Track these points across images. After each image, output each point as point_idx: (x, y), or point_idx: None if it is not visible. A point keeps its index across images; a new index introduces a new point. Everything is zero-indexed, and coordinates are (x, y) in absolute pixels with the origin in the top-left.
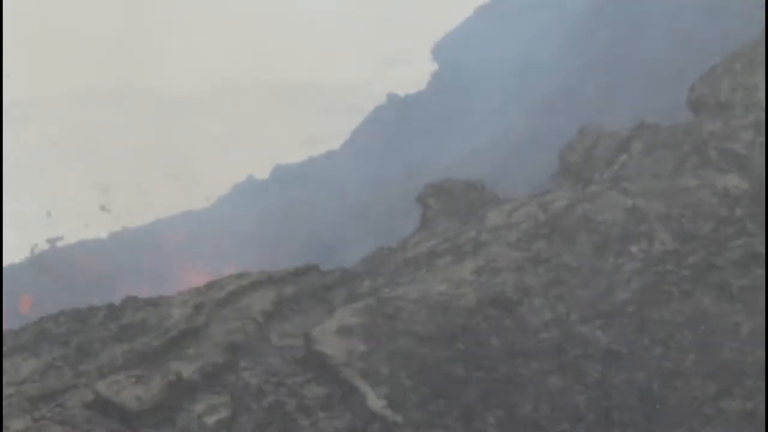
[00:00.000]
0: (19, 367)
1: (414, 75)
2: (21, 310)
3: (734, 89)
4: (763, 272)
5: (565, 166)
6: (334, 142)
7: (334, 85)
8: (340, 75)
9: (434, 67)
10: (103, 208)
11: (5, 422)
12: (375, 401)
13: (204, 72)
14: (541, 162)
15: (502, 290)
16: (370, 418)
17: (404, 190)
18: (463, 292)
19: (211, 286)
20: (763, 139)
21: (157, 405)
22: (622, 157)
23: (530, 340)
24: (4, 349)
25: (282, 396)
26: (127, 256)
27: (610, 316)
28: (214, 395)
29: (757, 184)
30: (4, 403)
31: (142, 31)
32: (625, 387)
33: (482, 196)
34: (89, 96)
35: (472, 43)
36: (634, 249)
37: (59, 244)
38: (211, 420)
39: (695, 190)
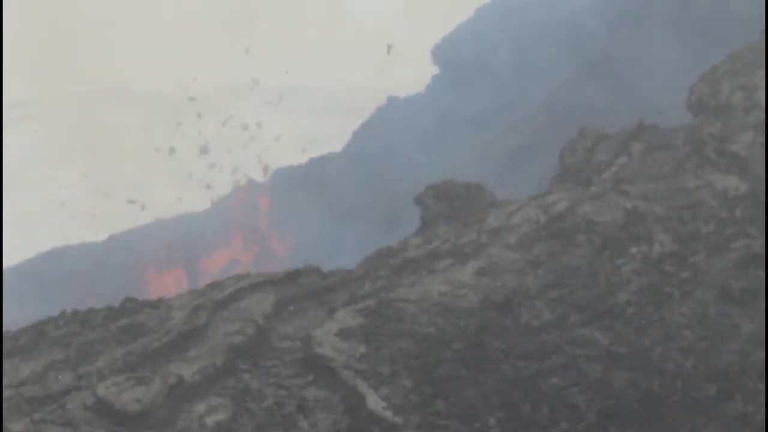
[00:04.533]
0: (18, 369)
1: (414, 75)
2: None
3: (734, 90)
4: (763, 274)
5: (565, 168)
6: (335, 144)
7: (334, 86)
8: (340, 76)
9: (434, 67)
10: (103, 209)
11: (5, 424)
12: (375, 403)
13: (204, 73)
14: (540, 163)
15: (503, 292)
16: (371, 420)
17: (404, 192)
18: (463, 294)
19: (211, 287)
20: (763, 140)
21: (157, 407)
22: (621, 159)
23: (531, 342)
24: (3, 350)
25: (282, 398)
26: (127, 257)
27: (610, 317)
28: (214, 397)
29: (757, 186)
30: (4, 405)
31: (143, 32)
32: (625, 388)
33: (482, 198)
34: (89, 96)
35: (472, 44)
36: (633, 250)
37: (59, 245)
38: (211, 421)
39: (695, 191)
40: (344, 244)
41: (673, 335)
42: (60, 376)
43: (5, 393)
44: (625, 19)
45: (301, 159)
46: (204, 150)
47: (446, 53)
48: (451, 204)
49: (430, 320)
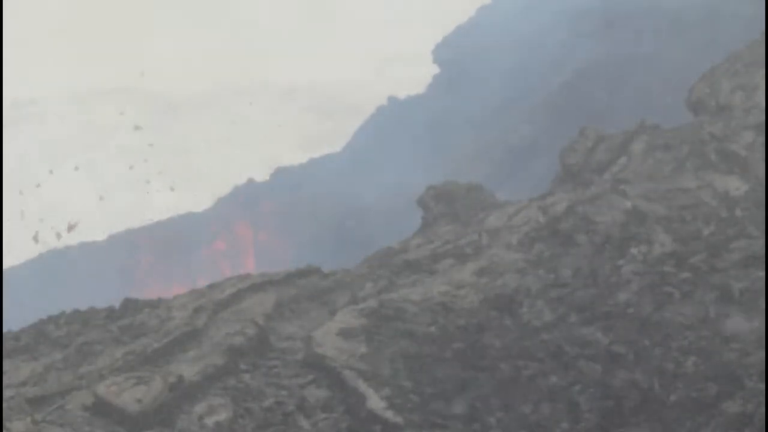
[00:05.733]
0: (19, 369)
1: (414, 75)
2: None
3: (734, 90)
4: (763, 274)
5: (566, 168)
6: (335, 144)
7: (334, 86)
8: (340, 75)
9: (434, 67)
10: (102, 209)
11: (5, 424)
12: (376, 403)
13: (204, 73)
14: (540, 163)
15: (503, 291)
16: (371, 420)
17: (405, 192)
18: (464, 294)
19: (211, 288)
20: (763, 140)
21: (157, 407)
22: (622, 159)
23: (531, 341)
24: (3, 350)
25: (282, 397)
26: (128, 257)
27: (611, 317)
28: (214, 397)
29: (757, 186)
30: (4, 405)
31: (143, 31)
32: (626, 388)
33: (482, 199)
34: (90, 96)
35: (472, 44)
36: (634, 250)
37: (59, 244)
38: (211, 421)
39: (695, 191)
40: (345, 244)
41: (674, 335)
42: (60, 376)
43: (6, 393)
44: (625, 19)
45: (301, 159)
46: (204, 149)
47: (446, 53)
48: (451, 204)
49: (431, 320)
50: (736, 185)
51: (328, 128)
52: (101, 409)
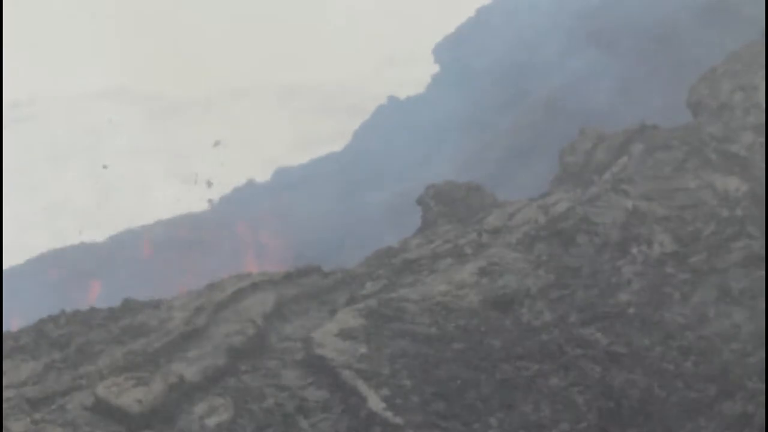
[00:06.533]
0: (19, 369)
1: (414, 75)
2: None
3: (734, 90)
4: (763, 274)
5: (566, 168)
6: (335, 144)
7: (334, 86)
8: (341, 76)
9: (435, 67)
10: (102, 210)
11: (5, 424)
12: (376, 403)
13: (204, 73)
14: (540, 163)
15: (503, 292)
16: (371, 420)
17: (405, 192)
18: (464, 294)
19: (211, 288)
20: (763, 140)
21: (157, 407)
22: (622, 159)
23: (531, 341)
24: (4, 350)
25: (282, 398)
26: (127, 257)
27: (611, 317)
28: (214, 397)
29: (757, 186)
30: (4, 405)
31: (143, 32)
32: (625, 388)
33: (482, 198)
34: (90, 97)
35: (472, 44)
36: (634, 251)
37: (59, 245)
38: (211, 422)
39: (695, 191)
40: (345, 244)
41: (674, 335)
42: (60, 376)
43: (6, 393)
44: (625, 18)
45: (302, 159)
46: (205, 150)
47: (447, 53)
48: (451, 204)
49: (431, 320)
50: (736, 185)
51: (328, 128)
52: (101, 409)
